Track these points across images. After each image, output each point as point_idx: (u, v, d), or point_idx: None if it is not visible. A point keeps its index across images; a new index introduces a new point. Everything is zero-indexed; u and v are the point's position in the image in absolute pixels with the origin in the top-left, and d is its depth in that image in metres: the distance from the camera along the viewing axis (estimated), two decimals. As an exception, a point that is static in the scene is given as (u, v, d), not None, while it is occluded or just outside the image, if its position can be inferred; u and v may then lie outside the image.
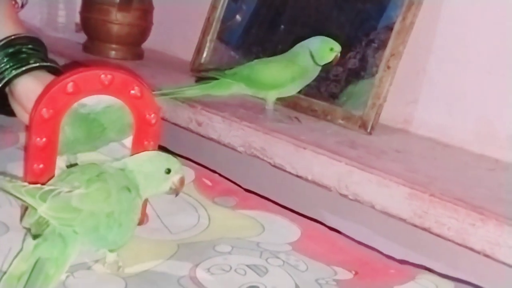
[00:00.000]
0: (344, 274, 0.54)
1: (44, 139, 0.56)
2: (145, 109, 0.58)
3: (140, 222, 0.60)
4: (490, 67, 0.81)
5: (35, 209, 0.48)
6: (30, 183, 0.50)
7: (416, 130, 0.88)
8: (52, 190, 0.49)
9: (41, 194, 0.48)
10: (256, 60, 0.89)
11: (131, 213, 0.52)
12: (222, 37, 1.08)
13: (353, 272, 0.54)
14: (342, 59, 0.86)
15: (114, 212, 0.50)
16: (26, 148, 0.63)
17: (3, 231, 0.57)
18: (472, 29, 0.82)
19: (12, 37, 0.68)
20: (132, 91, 0.57)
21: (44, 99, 0.55)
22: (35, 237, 0.49)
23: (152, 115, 0.57)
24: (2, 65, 0.67)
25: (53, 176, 0.56)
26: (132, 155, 0.57)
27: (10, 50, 0.67)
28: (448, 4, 0.85)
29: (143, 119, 0.58)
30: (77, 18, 1.23)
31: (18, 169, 0.67)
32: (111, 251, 0.53)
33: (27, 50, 0.68)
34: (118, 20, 1.13)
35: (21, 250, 0.50)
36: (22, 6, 1.26)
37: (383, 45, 0.86)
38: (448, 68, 0.85)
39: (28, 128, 0.58)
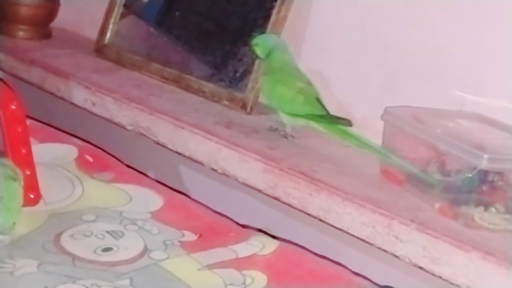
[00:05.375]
0: (190, 236, 0.64)
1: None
2: (7, 100, 0.68)
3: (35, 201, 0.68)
4: (349, 56, 0.92)
5: None
6: None
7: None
8: None
9: None
10: None
11: (18, 199, 0.60)
12: (131, 17, 1.15)
13: (198, 235, 0.64)
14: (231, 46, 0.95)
15: (4, 197, 0.58)
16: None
17: None
18: (336, 21, 0.93)
19: None
20: None
21: None
22: None
23: (13, 106, 0.67)
24: None
25: None
26: (7, 138, 0.66)
27: None
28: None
29: (8, 109, 0.68)
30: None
31: None
32: None
33: None
34: (25, 2, 1.18)
35: None
36: None
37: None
38: (317, 56, 0.95)
39: None
